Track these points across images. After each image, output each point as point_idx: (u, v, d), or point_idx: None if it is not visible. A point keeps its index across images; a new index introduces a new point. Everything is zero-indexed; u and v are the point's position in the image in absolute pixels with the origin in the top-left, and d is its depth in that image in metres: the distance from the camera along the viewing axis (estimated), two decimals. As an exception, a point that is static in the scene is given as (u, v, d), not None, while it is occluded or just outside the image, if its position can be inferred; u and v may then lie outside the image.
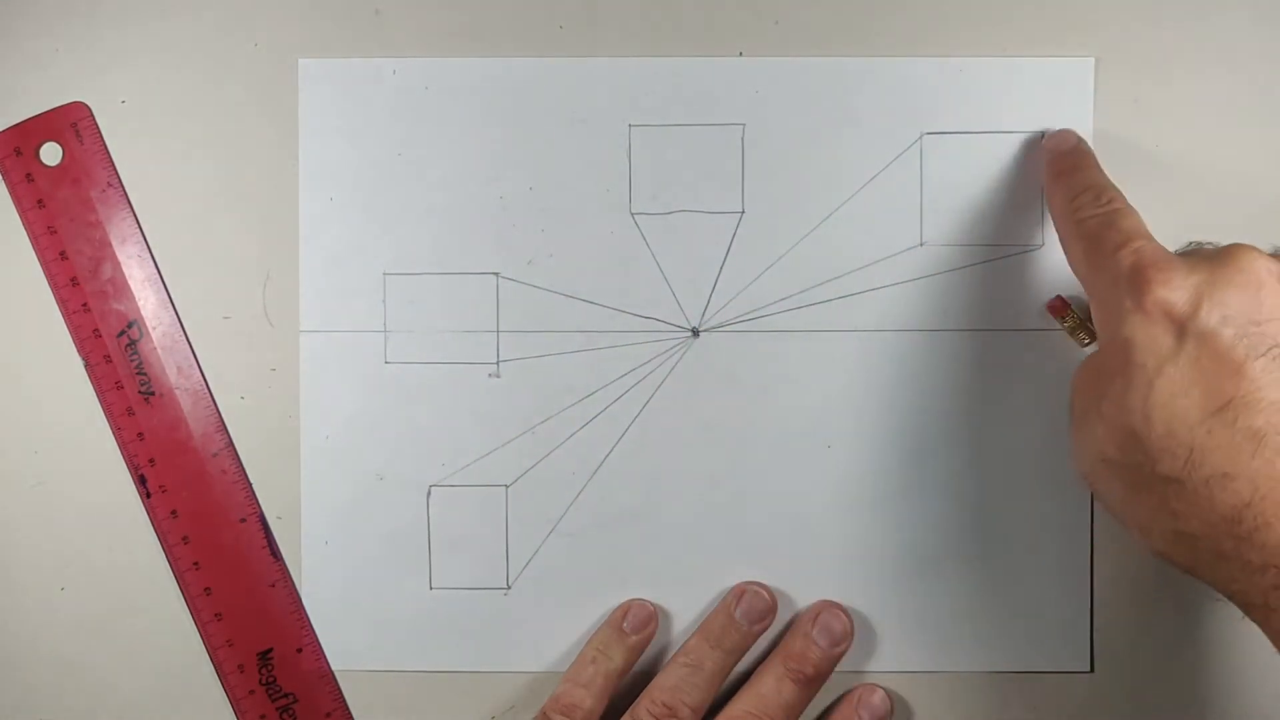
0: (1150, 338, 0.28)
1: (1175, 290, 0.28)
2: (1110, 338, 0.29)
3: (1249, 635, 0.33)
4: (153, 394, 0.39)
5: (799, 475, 0.39)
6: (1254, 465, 0.26)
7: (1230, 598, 0.28)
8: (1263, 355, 0.27)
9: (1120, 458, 0.28)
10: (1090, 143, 0.38)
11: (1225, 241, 0.31)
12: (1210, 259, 0.29)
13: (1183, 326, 0.28)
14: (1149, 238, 0.31)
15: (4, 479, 0.39)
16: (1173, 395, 0.27)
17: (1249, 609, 0.27)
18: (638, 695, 0.37)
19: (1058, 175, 0.35)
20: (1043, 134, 0.38)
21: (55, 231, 0.39)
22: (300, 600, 0.39)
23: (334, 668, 0.39)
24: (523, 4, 0.38)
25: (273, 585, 0.39)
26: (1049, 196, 0.35)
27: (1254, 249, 0.29)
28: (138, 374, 0.39)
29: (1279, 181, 0.38)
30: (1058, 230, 0.34)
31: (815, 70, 0.38)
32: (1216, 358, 0.27)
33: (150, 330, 0.39)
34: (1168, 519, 0.27)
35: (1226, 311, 0.27)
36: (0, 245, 0.39)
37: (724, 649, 0.37)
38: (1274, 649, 0.27)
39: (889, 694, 0.38)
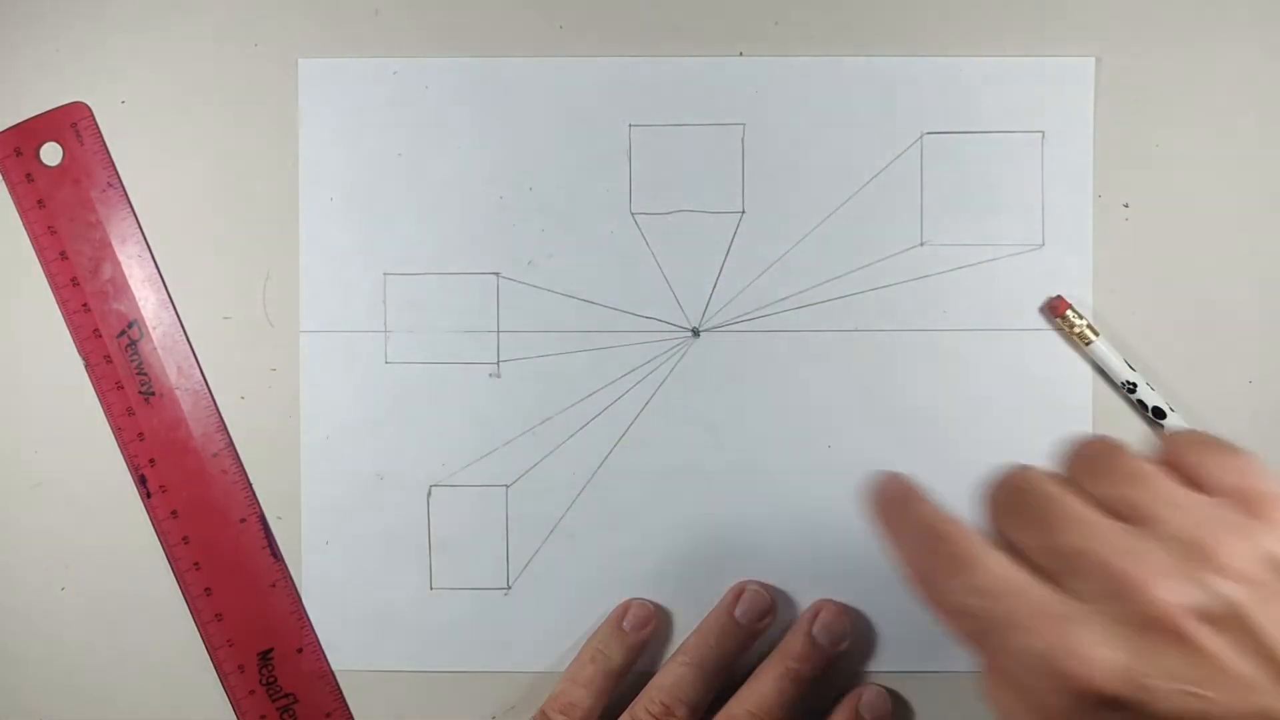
0: None
1: (1101, 668, 0.22)
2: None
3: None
4: (153, 394, 0.39)
5: (799, 475, 0.39)
6: None
7: None
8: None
9: None
10: (1090, 142, 0.38)
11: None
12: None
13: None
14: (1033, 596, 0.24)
15: (4, 479, 0.39)
16: None
17: None
18: (637, 695, 0.37)
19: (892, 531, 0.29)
20: (1042, 134, 0.38)
21: (55, 231, 0.39)
22: (300, 600, 0.39)
23: (334, 668, 0.39)
24: (523, 4, 0.38)
25: (273, 585, 0.39)
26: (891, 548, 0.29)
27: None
28: (138, 374, 0.39)
29: (1279, 181, 0.38)
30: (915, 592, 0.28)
31: (815, 70, 0.38)
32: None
33: (150, 330, 0.39)
34: None
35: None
36: (0, 245, 0.39)
37: (724, 648, 0.37)
38: None
39: (889, 694, 0.38)
